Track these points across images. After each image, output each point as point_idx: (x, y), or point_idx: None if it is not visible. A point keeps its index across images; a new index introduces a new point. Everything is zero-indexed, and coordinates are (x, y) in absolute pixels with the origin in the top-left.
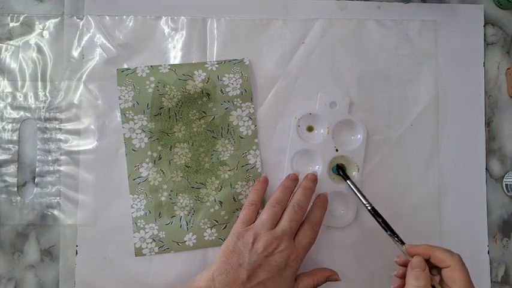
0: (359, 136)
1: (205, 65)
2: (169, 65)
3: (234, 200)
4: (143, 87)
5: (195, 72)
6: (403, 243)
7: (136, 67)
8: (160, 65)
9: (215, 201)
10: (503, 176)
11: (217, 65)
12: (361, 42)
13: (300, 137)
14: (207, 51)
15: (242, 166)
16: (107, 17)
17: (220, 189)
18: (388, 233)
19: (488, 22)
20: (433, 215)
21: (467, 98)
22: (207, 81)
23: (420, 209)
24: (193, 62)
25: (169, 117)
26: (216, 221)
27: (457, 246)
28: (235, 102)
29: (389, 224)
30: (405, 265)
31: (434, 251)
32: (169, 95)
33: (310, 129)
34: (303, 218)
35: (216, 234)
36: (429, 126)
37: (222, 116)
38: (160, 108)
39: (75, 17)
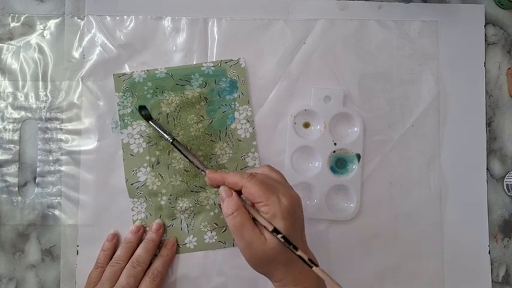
0: (356, 129)
1: (202, 68)
2: (165, 68)
3: None
4: (141, 93)
5: (192, 76)
6: (205, 172)
7: (133, 72)
8: (157, 69)
9: (215, 204)
10: (504, 176)
11: (213, 68)
12: (362, 42)
13: (298, 134)
14: (208, 52)
15: (241, 169)
16: (108, 17)
17: None
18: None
19: (489, 22)
20: (434, 215)
21: (468, 98)
22: (205, 85)
23: (421, 209)
24: (194, 62)
25: (168, 122)
26: (216, 224)
27: (458, 246)
28: (232, 106)
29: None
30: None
31: (226, 177)
32: (167, 100)
33: (306, 125)
34: (143, 272)
35: (216, 237)
36: (430, 127)
37: (220, 120)
38: (158, 114)
39: (76, 17)
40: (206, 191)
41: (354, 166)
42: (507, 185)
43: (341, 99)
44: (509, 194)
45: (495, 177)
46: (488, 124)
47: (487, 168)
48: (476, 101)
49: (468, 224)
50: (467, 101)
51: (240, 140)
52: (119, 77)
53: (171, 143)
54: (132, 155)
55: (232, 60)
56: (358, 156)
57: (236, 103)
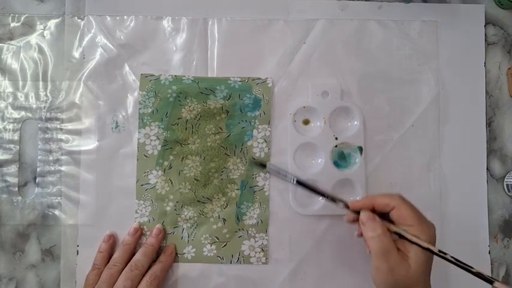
0: (356, 122)
1: (229, 81)
2: (193, 76)
3: (238, 219)
4: (164, 95)
5: (218, 87)
6: (345, 203)
7: (160, 74)
8: (184, 76)
9: (219, 218)
10: (504, 176)
11: (240, 82)
12: (362, 42)
13: (298, 132)
14: (208, 52)
15: (250, 187)
16: (108, 17)
17: (226, 207)
18: (324, 199)
19: (489, 22)
20: (434, 215)
21: (468, 98)
22: (228, 98)
23: (421, 209)
24: (194, 62)
25: (186, 128)
26: (217, 238)
27: (458, 246)
28: (252, 123)
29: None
30: (354, 220)
31: (374, 200)
32: (189, 106)
33: (306, 122)
34: (140, 276)
35: (215, 251)
36: (430, 127)
37: (238, 135)
38: (178, 119)
39: (76, 17)
40: (212, 203)
41: (357, 159)
42: (507, 185)
43: (338, 93)
44: (509, 194)
45: (495, 177)
46: (488, 124)
47: (487, 168)
48: (476, 101)
49: (468, 224)
50: (467, 101)
51: (254, 158)
52: (146, 76)
53: (297, 183)
54: (146, 156)
55: (260, 79)
56: (360, 149)
57: (256, 121)
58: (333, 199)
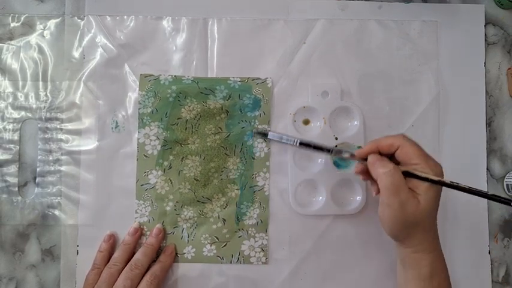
0: (356, 122)
1: (228, 81)
2: (192, 76)
3: (238, 219)
4: (164, 95)
5: (217, 87)
6: (351, 153)
7: (160, 74)
8: (184, 76)
9: (219, 218)
10: (504, 176)
11: (239, 83)
12: (362, 42)
13: (298, 132)
14: (208, 52)
15: (250, 187)
16: (108, 17)
17: (225, 207)
18: (332, 153)
19: (489, 22)
20: None
21: (468, 98)
22: (228, 98)
23: None
24: (194, 62)
25: (186, 128)
26: (217, 238)
27: (458, 246)
28: (252, 123)
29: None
30: (363, 171)
31: (379, 142)
32: (189, 106)
33: (306, 122)
34: (140, 275)
35: (214, 251)
36: (430, 127)
37: (238, 135)
38: (178, 119)
39: (76, 17)
40: (212, 203)
41: None
42: (507, 185)
43: (338, 93)
44: (509, 194)
45: (495, 177)
46: (488, 124)
47: (487, 168)
48: (476, 101)
49: (468, 224)
50: (467, 101)
51: (253, 158)
52: (145, 77)
53: (300, 145)
54: (146, 156)
55: (260, 79)
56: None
57: (256, 121)
58: (339, 151)
